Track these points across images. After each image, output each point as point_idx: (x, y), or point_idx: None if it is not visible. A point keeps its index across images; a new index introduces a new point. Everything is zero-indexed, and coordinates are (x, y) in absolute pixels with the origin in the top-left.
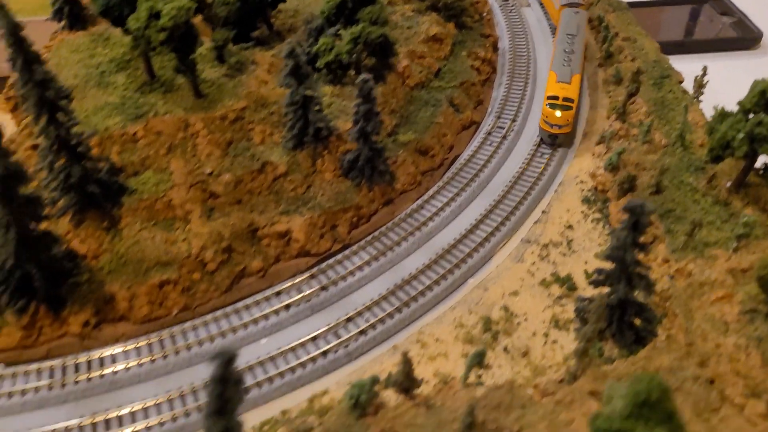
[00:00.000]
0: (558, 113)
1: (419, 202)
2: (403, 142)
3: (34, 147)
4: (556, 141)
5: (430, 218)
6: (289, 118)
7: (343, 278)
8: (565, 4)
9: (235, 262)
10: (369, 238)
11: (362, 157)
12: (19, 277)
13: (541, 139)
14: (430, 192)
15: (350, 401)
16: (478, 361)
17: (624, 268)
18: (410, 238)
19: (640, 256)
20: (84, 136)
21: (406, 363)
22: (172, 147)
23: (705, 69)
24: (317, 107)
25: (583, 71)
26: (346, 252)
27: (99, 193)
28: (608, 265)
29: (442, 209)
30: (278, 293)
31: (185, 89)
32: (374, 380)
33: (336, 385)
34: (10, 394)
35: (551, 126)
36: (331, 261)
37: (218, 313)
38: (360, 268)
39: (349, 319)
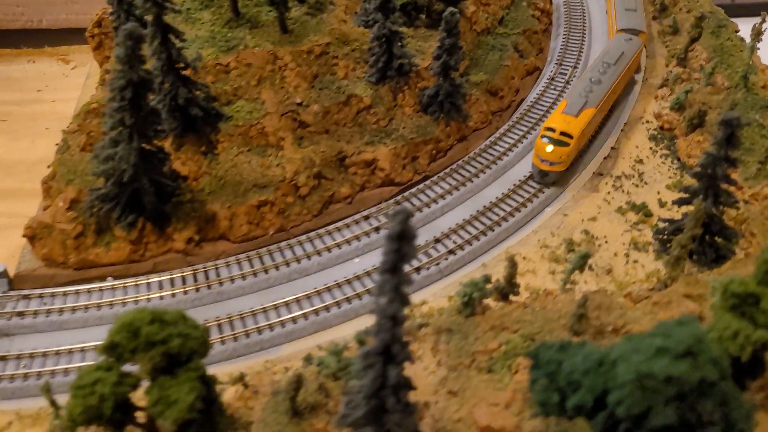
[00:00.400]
0: (549, 148)
1: (491, 139)
2: (475, 82)
3: None
4: (546, 179)
5: (504, 153)
6: (374, 52)
7: (427, 205)
8: (622, 28)
9: (324, 188)
10: (447, 170)
11: (442, 92)
12: (130, 192)
13: (532, 174)
14: (501, 130)
15: (462, 299)
16: (582, 263)
17: (712, 183)
18: (486, 170)
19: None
20: (191, 59)
21: (513, 266)
22: (262, 78)
23: (764, 16)
24: (400, 43)
25: (603, 105)
26: (427, 182)
27: (201, 116)
28: (694, 183)
29: (514, 145)
30: (366, 217)
31: (270, 25)
32: (486, 278)
33: (432, 297)
34: (123, 302)
35: (542, 161)
36: (413, 190)
37: (312, 234)
38: (442, 197)
39: (437, 240)
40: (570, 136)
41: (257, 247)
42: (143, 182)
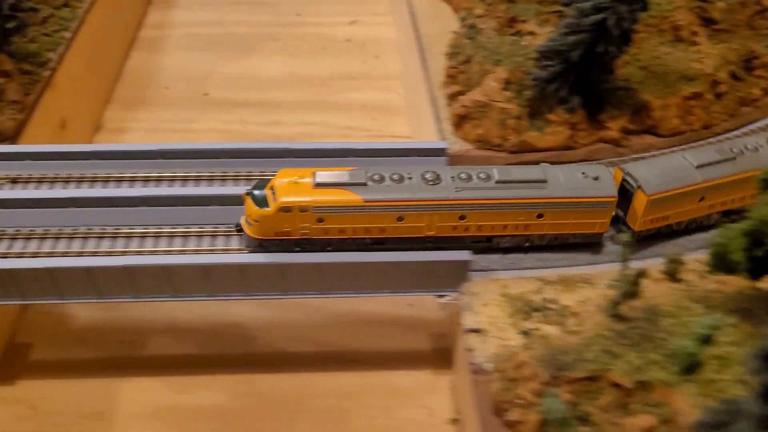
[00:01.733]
0: (243, 193)
1: None
2: None
3: None
4: (242, 238)
5: None
6: None
7: None
8: (623, 168)
9: (736, 87)
10: None
11: None
12: (579, 70)
13: None
14: None
15: None
16: None
17: None
18: None
19: None
20: None
21: None
22: None
23: None
24: None
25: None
26: None
27: None
28: None
29: None
30: None
31: None
32: None
33: None
34: None
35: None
36: None
37: (737, 132)
38: None
39: None
40: (274, 200)
41: (682, 143)
42: (611, 55)
